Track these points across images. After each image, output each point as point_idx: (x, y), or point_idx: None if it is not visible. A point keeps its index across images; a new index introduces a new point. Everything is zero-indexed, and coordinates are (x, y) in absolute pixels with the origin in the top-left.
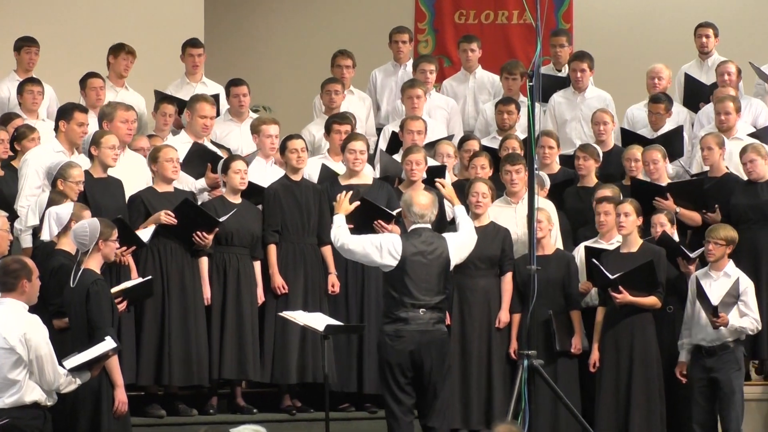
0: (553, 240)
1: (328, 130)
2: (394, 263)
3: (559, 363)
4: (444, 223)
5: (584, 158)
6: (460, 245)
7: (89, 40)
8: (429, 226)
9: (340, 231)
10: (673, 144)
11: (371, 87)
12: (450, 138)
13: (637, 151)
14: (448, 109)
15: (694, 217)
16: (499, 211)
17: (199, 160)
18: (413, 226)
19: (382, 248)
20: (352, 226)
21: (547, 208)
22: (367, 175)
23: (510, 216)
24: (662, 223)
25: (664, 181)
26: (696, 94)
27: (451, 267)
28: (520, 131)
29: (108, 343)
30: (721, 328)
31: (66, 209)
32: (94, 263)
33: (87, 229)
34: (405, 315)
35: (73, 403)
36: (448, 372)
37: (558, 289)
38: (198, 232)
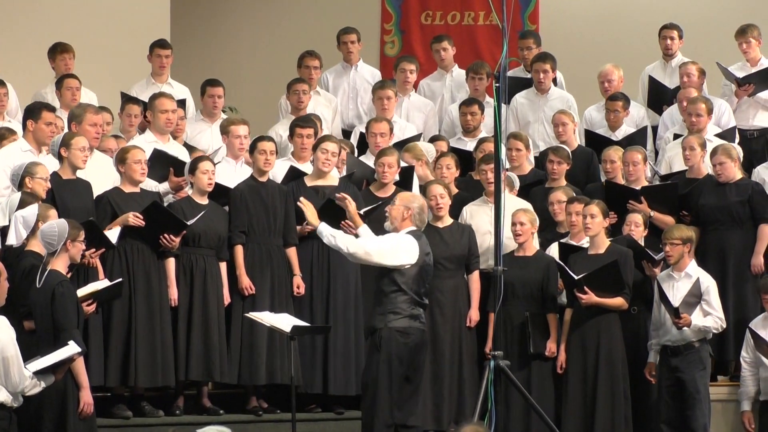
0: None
1: (292, 133)
2: (414, 260)
3: (534, 365)
4: None
5: (558, 162)
6: None
7: (54, 40)
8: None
9: (349, 240)
10: (636, 144)
11: (323, 88)
12: (418, 137)
13: (614, 152)
14: (426, 110)
15: (667, 221)
16: (476, 211)
17: (161, 165)
18: (412, 228)
19: (399, 247)
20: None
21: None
22: (333, 176)
23: (487, 215)
24: (636, 223)
25: (642, 183)
26: (659, 97)
27: None
28: (486, 132)
29: (72, 348)
30: (685, 328)
31: (31, 211)
32: (60, 264)
33: (56, 230)
34: (416, 312)
35: (38, 405)
36: None
37: (537, 290)
38: (165, 235)
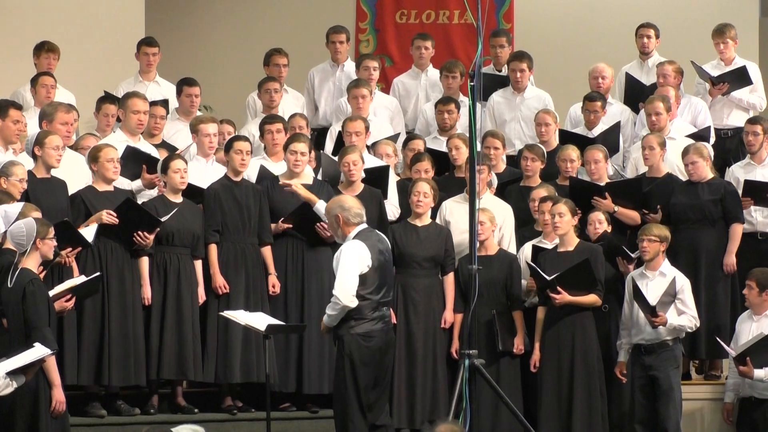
0: (506, 241)
1: (261, 131)
2: (369, 262)
3: (502, 363)
4: (386, 224)
5: (532, 159)
6: None
7: (27, 40)
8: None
9: (330, 306)
10: (610, 141)
11: (309, 87)
12: (395, 137)
13: (572, 151)
14: (392, 108)
15: (632, 215)
16: (456, 207)
17: (133, 162)
18: (359, 228)
19: (353, 261)
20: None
21: (501, 208)
22: (307, 174)
23: (466, 212)
24: (600, 221)
25: (604, 181)
26: (636, 95)
27: None
28: (461, 130)
29: (42, 349)
30: (660, 327)
31: (15, 208)
32: (31, 262)
33: (23, 229)
34: (376, 314)
35: (10, 404)
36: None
37: (501, 289)
38: (139, 232)
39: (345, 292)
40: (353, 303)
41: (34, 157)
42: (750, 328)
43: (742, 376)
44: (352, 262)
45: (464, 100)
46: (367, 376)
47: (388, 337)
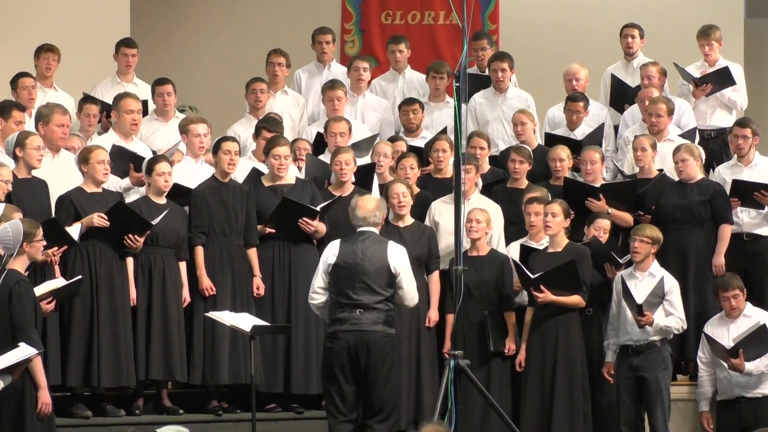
0: (495, 240)
1: (258, 133)
2: (331, 260)
3: (493, 364)
4: None
5: (520, 161)
6: (401, 255)
7: (14, 40)
8: (374, 230)
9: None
10: (596, 143)
11: (295, 87)
12: (374, 138)
13: (562, 151)
14: (381, 109)
15: (625, 217)
16: (445, 208)
17: (120, 161)
18: (358, 229)
19: (326, 260)
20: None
21: (490, 208)
22: (290, 174)
23: None
24: (605, 229)
25: (599, 182)
26: (622, 96)
27: (394, 271)
28: (426, 131)
29: (27, 349)
30: (647, 327)
31: None
32: (19, 264)
33: (9, 233)
34: (341, 316)
35: None
36: (389, 374)
37: (492, 290)
38: (129, 235)
39: (310, 289)
40: (311, 299)
41: (15, 157)
42: (728, 330)
43: (732, 369)
44: (320, 260)
45: (449, 101)
46: (334, 375)
47: (360, 338)
